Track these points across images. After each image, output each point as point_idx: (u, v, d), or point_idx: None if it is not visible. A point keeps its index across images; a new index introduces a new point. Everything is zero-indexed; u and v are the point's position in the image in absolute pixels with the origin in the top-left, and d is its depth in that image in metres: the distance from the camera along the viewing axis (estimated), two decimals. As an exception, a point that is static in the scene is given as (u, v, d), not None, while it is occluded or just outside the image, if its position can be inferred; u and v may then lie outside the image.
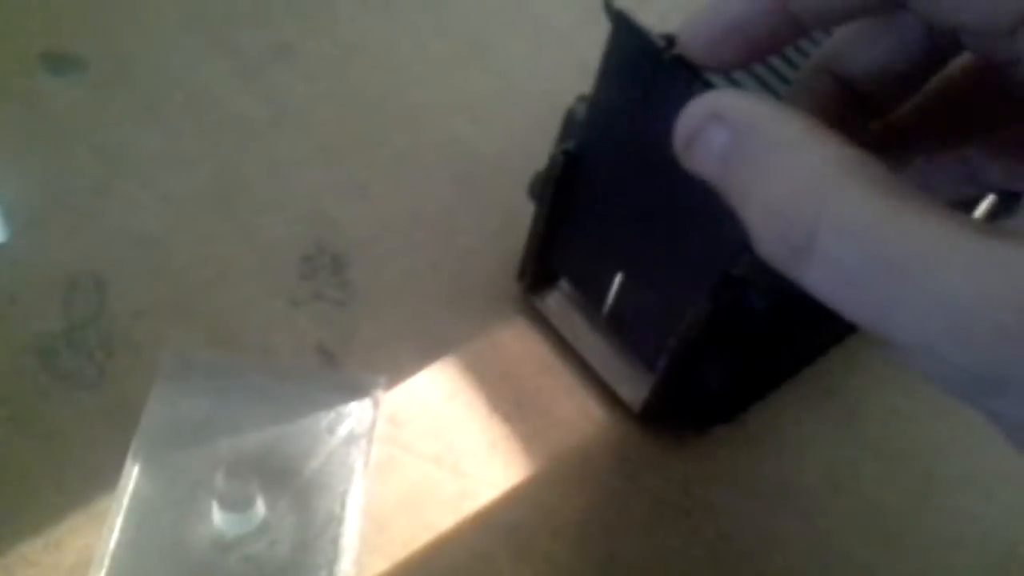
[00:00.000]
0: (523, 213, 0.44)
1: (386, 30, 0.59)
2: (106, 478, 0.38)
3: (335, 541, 0.38)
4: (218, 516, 0.37)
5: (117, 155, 0.50)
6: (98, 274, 0.45)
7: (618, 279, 0.43)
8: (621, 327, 0.44)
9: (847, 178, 0.18)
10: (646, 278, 0.41)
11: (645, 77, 0.34)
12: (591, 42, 0.35)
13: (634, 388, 0.44)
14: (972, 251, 0.16)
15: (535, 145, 0.42)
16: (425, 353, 0.45)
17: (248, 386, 0.41)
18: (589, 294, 0.45)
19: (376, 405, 0.42)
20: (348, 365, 0.44)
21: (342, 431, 0.41)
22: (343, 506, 0.39)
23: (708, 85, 0.31)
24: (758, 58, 0.23)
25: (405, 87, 0.56)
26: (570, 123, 0.41)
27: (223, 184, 0.50)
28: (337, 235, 0.49)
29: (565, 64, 0.58)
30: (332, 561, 0.37)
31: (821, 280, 0.18)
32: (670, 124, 0.22)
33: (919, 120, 0.25)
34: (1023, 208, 0.18)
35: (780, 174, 0.19)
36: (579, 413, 0.45)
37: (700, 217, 0.35)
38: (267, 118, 0.53)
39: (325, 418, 0.41)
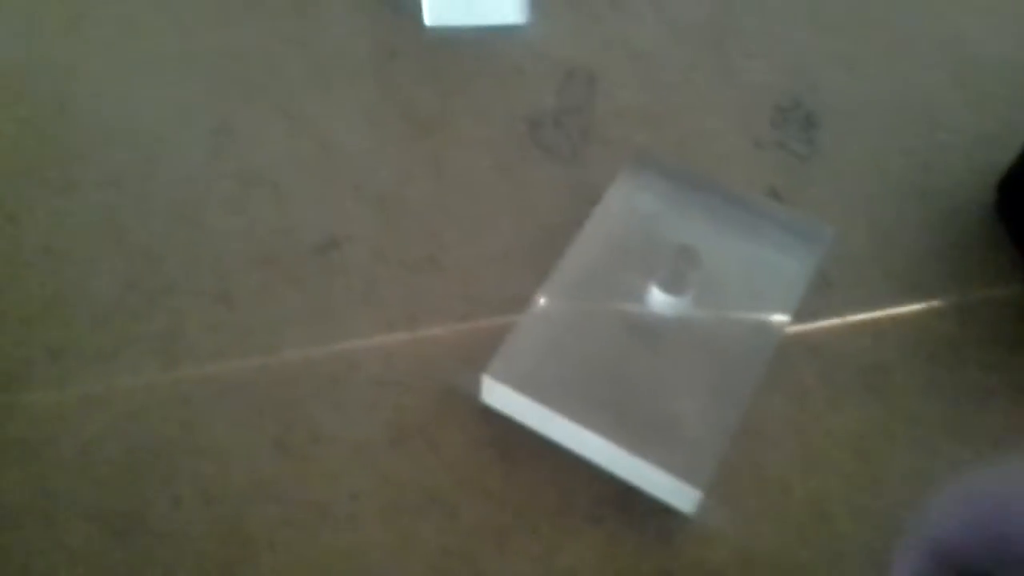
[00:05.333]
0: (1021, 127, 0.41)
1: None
2: (557, 240, 0.42)
3: (748, 356, 0.38)
4: (651, 296, 0.39)
5: (634, -25, 0.53)
6: (593, 72, 0.49)
7: None
8: None
9: None
10: None
11: None
12: None
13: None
14: None
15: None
16: (874, 231, 0.44)
17: (698, 199, 0.43)
18: None
19: (819, 253, 0.42)
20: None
21: (782, 265, 0.41)
22: (763, 333, 0.39)
23: None
24: None
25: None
26: None
27: (720, 24, 0.51)
28: (815, 96, 0.48)
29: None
30: (737, 371, 0.38)
31: None
32: None
33: None
34: None
35: None
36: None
37: None
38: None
39: (767, 248, 0.42)
